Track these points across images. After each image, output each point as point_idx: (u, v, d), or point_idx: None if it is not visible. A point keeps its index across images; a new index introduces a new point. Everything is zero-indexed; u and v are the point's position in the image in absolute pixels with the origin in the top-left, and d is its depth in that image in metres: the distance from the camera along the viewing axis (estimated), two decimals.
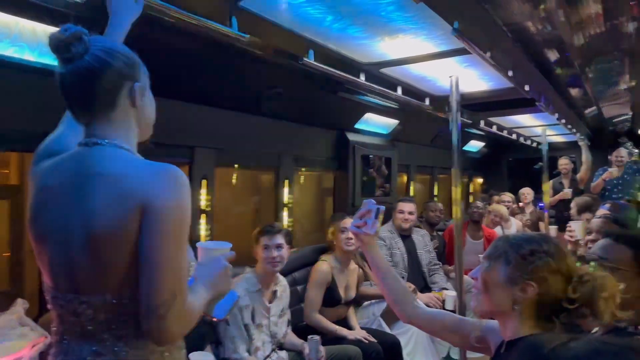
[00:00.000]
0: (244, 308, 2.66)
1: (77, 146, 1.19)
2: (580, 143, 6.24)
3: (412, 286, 3.72)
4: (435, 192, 6.69)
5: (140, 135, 1.25)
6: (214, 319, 1.32)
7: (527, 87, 3.38)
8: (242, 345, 2.62)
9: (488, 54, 2.53)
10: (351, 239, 3.33)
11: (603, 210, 2.86)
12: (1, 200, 3.03)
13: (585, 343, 0.98)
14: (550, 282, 1.29)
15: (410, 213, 4.19)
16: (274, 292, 2.86)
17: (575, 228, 3.12)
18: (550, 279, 1.29)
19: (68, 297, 1.13)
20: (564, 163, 6.42)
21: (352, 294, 3.43)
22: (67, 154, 1.19)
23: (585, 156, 6.24)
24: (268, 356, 2.75)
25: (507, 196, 6.19)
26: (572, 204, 3.65)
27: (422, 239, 4.36)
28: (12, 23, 1.99)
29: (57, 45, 1.11)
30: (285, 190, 3.92)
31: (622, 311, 1.27)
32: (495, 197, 6.32)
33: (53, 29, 2.04)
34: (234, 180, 4.64)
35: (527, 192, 6.64)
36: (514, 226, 5.75)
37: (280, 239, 2.81)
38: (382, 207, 1.68)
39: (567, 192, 6.14)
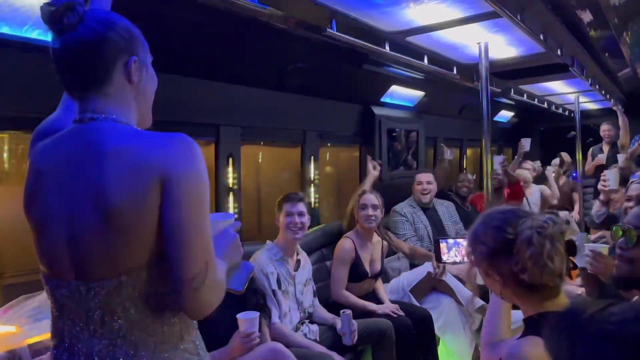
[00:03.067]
0: (270, 275, 2.73)
1: (73, 123, 1.13)
2: (615, 108, 5.98)
3: (442, 265, 3.67)
4: (465, 165, 6.58)
5: (140, 115, 1.18)
6: (233, 292, 1.30)
7: (559, 52, 3.24)
8: (274, 310, 2.68)
9: (518, 17, 2.43)
10: (371, 215, 3.30)
11: (635, 180, 2.75)
12: None
13: (628, 307, 0.93)
14: (498, 264, 1.31)
15: (429, 183, 4.11)
16: (298, 262, 2.93)
17: (610, 177, 3.00)
18: (494, 262, 1.31)
19: (74, 284, 1.07)
20: (606, 129, 6.10)
21: (378, 267, 3.43)
22: (62, 133, 1.13)
23: (622, 120, 5.97)
24: (299, 328, 2.79)
25: (528, 164, 6.02)
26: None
27: (447, 210, 4.29)
28: (36, 5, 2.00)
29: (48, 16, 1.06)
30: (312, 166, 3.90)
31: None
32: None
33: None
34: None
35: (558, 163, 6.46)
36: (537, 193, 5.63)
37: (302, 207, 2.87)
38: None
39: (600, 157, 5.91)
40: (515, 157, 5.51)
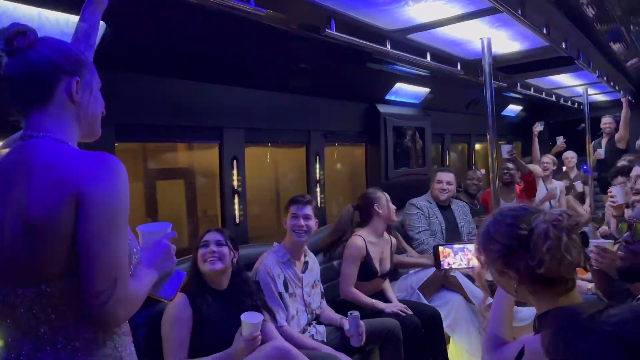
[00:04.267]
0: (276, 277, 2.73)
1: (19, 140, 1.22)
2: (623, 99, 5.93)
3: None
4: (474, 160, 6.54)
5: (84, 132, 1.27)
6: (164, 300, 1.35)
7: (564, 45, 3.21)
8: (281, 313, 2.67)
9: (520, 12, 2.41)
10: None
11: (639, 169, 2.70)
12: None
13: (626, 309, 0.92)
14: (514, 261, 1.29)
15: (449, 183, 4.09)
16: (306, 263, 2.92)
17: (617, 193, 2.98)
18: (511, 260, 1.30)
19: (4, 290, 1.14)
20: (607, 122, 6.10)
21: (388, 266, 3.41)
22: (8, 150, 1.23)
23: (624, 113, 5.92)
24: (306, 330, 2.79)
25: (547, 157, 5.98)
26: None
27: (461, 209, 4.29)
28: (35, 14, 2.02)
29: (1, 39, 1.16)
30: (317, 166, 3.90)
31: None
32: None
33: (75, 18, 2.07)
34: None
35: (570, 156, 6.39)
36: (557, 188, 5.59)
37: (309, 210, 2.86)
38: None
39: (599, 152, 5.88)
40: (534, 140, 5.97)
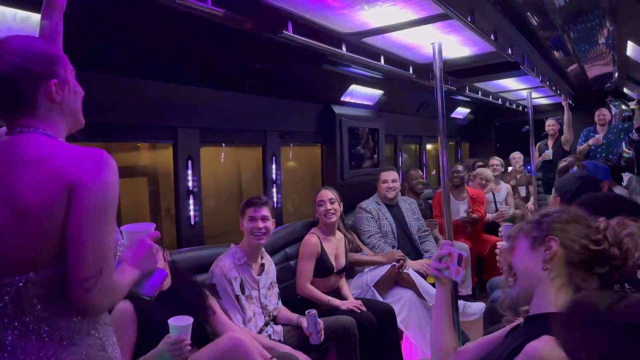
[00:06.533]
0: (233, 280, 2.72)
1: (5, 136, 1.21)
2: (564, 103, 6.25)
3: (404, 256, 3.75)
4: (424, 161, 6.71)
5: (69, 126, 1.29)
6: (145, 297, 1.41)
7: (510, 51, 3.36)
8: (237, 316, 2.68)
9: (469, 18, 2.51)
10: (330, 209, 3.42)
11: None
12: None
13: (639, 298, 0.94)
14: (570, 230, 1.31)
15: (394, 181, 4.22)
16: (262, 266, 2.92)
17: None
18: (567, 228, 1.31)
19: None
20: (550, 124, 6.41)
21: (343, 262, 3.49)
22: None
23: (567, 116, 6.23)
24: (263, 330, 2.79)
25: (496, 160, 6.22)
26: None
27: (409, 207, 4.39)
28: None
29: None
30: (273, 166, 3.91)
31: None
32: (480, 163, 6.35)
33: (22, 12, 2.00)
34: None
35: (517, 157, 6.69)
36: (504, 190, 5.81)
37: (266, 211, 2.84)
38: (464, 254, 1.67)
39: (547, 153, 6.16)
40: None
